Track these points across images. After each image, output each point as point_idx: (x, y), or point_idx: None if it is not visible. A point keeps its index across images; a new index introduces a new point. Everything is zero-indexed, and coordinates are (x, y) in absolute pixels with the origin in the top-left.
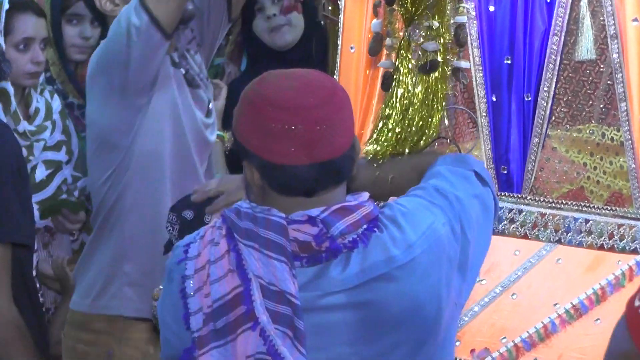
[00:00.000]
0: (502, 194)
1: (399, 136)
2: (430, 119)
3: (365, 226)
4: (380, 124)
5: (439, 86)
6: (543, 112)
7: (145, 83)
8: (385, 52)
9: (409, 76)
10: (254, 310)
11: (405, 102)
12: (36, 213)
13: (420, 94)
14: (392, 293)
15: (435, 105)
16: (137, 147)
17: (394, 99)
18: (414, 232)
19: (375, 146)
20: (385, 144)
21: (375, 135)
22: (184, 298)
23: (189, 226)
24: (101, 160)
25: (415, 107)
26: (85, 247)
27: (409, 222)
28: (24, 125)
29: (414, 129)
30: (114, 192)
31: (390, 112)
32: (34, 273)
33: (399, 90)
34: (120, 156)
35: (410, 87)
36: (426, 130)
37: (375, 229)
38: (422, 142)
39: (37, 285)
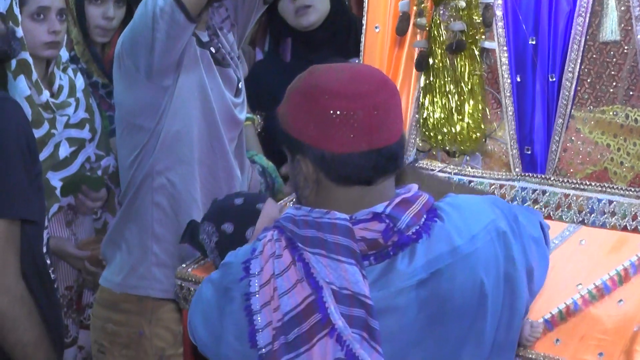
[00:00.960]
0: (526, 174)
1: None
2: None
3: (425, 216)
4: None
5: (472, 67)
6: (567, 93)
7: (169, 65)
8: (411, 31)
9: (443, 57)
10: (329, 317)
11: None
12: (59, 190)
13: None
14: (456, 284)
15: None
16: (164, 128)
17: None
18: (477, 223)
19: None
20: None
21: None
22: (250, 315)
23: (230, 240)
24: (127, 141)
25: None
26: (113, 224)
27: (472, 214)
28: (46, 95)
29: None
30: (140, 173)
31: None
32: (44, 250)
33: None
34: (146, 137)
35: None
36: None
37: (436, 219)
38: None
39: (48, 262)
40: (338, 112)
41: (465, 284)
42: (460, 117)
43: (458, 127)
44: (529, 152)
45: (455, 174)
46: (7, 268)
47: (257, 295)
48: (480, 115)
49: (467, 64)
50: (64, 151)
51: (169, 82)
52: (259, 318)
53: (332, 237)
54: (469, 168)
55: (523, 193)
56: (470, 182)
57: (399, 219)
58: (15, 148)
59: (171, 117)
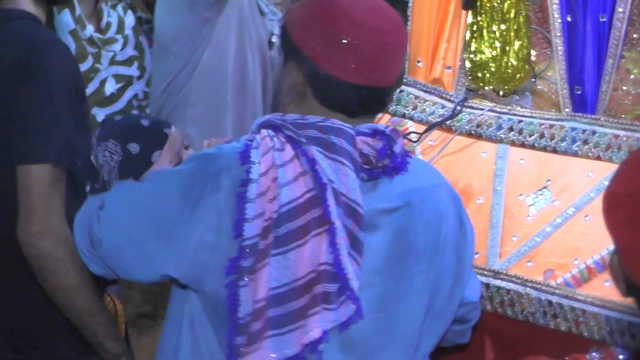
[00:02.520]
0: (576, 114)
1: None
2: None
3: (403, 152)
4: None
5: (519, 6)
6: (618, 33)
7: None
8: None
9: None
10: (330, 215)
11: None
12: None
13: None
14: (422, 221)
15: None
16: (202, 59)
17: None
18: (438, 177)
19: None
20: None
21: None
22: (242, 203)
23: (134, 161)
24: (162, 67)
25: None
26: None
27: (433, 169)
28: (90, 30)
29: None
30: (172, 101)
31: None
32: (87, 189)
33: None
34: (181, 65)
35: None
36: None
37: (411, 156)
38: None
39: None
40: (350, 40)
41: (429, 224)
42: (506, 58)
43: (503, 67)
44: (579, 92)
45: (504, 113)
46: (52, 211)
47: (255, 183)
48: (525, 55)
49: (513, 3)
50: (110, 87)
51: (211, 14)
52: (251, 207)
53: (338, 140)
54: (518, 107)
55: (573, 133)
56: (519, 121)
57: (396, 142)
58: (63, 92)
59: (210, 49)
